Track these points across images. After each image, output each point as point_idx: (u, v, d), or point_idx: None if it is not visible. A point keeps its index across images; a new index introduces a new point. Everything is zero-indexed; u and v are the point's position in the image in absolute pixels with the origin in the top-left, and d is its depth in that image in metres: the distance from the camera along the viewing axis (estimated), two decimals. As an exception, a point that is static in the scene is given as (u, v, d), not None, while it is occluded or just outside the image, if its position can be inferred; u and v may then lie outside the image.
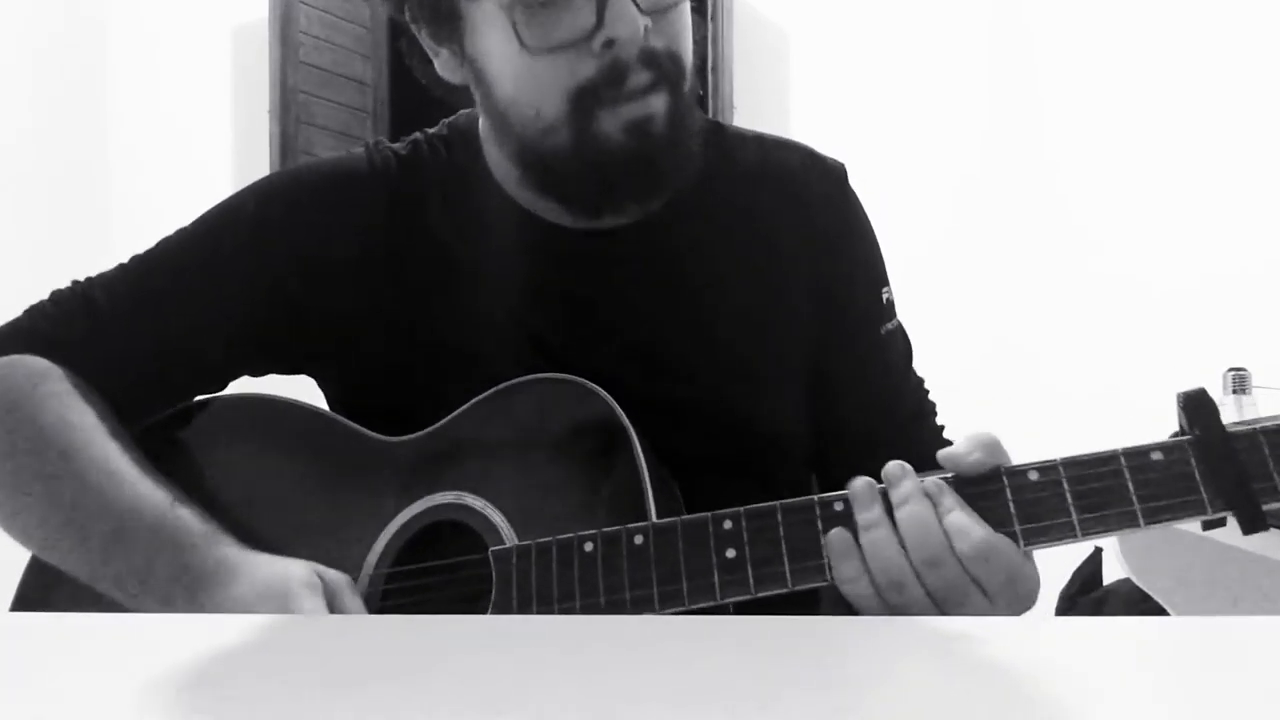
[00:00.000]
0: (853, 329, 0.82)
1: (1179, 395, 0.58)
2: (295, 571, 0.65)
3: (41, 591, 0.75)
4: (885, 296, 0.83)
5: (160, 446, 0.77)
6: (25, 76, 2.91)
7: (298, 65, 3.01)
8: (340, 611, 0.64)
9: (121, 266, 0.80)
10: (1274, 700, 0.38)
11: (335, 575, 0.66)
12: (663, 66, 0.70)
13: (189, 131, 3.19)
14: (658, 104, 0.70)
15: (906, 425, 0.83)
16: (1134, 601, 1.73)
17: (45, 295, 0.80)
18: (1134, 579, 1.54)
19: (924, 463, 0.83)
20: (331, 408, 0.82)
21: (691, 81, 0.73)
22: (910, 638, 0.51)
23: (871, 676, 0.44)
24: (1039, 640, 0.50)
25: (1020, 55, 3.01)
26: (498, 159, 0.80)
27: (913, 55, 3.07)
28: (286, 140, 2.98)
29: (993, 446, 0.60)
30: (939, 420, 0.86)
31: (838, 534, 0.59)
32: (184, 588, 0.65)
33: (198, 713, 0.39)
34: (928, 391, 0.86)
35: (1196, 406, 0.57)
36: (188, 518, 0.68)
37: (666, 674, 0.43)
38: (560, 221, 0.78)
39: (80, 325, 0.77)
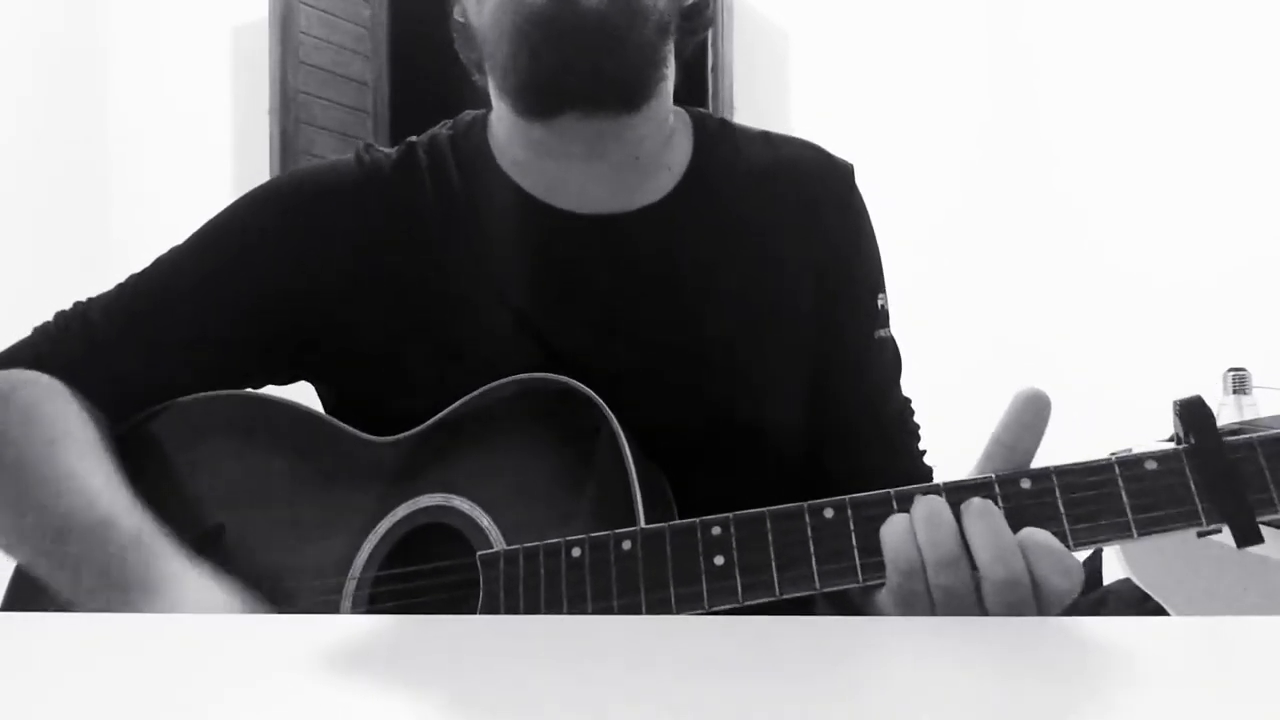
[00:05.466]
0: (849, 329, 0.82)
1: (1175, 404, 0.57)
2: (224, 607, 0.63)
3: (31, 592, 0.74)
4: (880, 302, 0.83)
5: (143, 444, 0.77)
6: (25, 76, 2.92)
7: (298, 65, 3.01)
8: None
9: (119, 286, 0.81)
10: (1274, 700, 0.38)
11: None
12: None
13: (189, 131, 3.20)
14: None
15: (889, 434, 0.83)
16: (1134, 601, 1.73)
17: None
18: (1134, 579, 1.54)
19: (899, 477, 0.82)
20: (331, 413, 0.82)
21: None
22: (909, 637, 0.51)
23: (870, 676, 0.44)
24: (1039, 640, 0.50)
25: (1019, 55, 3.01)
26: (502, 138, 0.80)
27: (912, 55, 3.07)
28: (286, 140, 2.98)
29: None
30: (921, 445, 0.85)
31: (900, 526, 0.57)
32: (104, 597, 0.64)
33: (189, 713, 0.39)
34: (913, 412, 0.86)
35: (1193, 415, 0.56)
36: (125, 523, 0.67)
37: (663, 673, 0.43)
38: (566, 206, 0.78)
39: (78, 346, 0.78)
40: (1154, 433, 1.77)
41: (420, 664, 0.45)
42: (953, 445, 0.86)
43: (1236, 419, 1.89)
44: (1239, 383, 1.98)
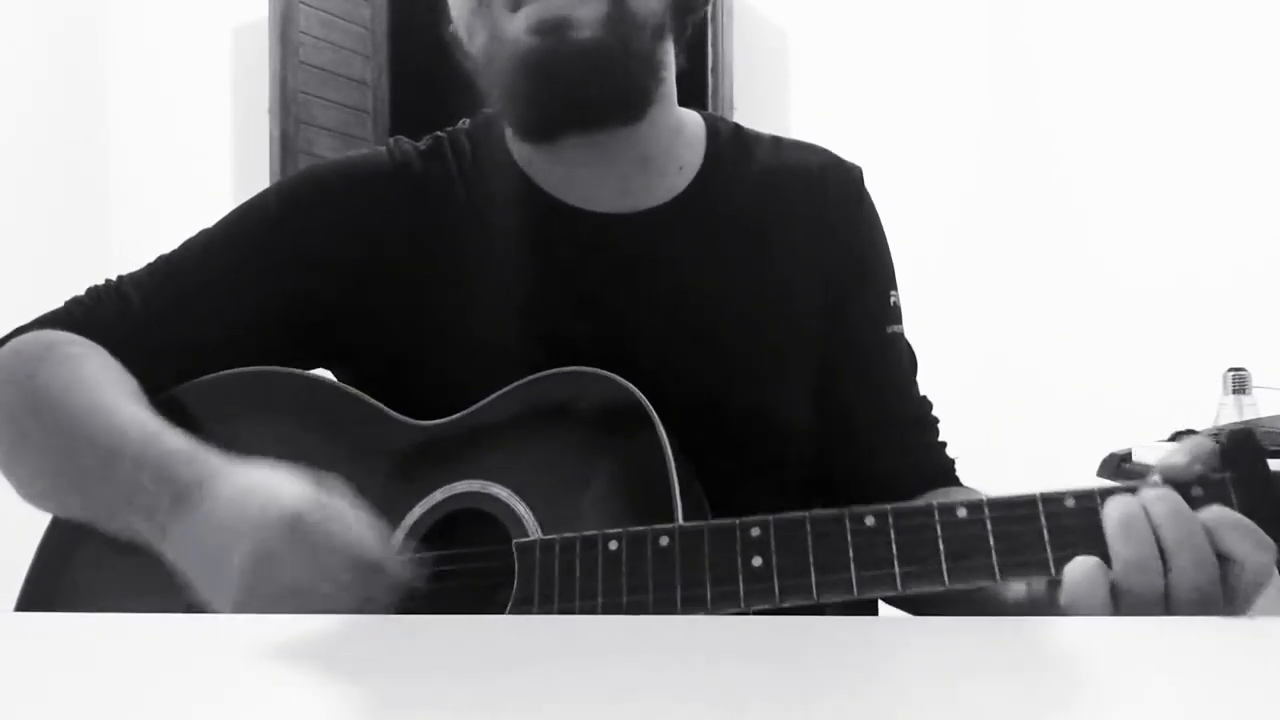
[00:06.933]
0: (859, 326, 0.83)
1: (1219, 437, 0.56)
2: (278, 502, 0.61)
3: (47, 593, 0.75)
4: (893, 299, 0.84)
5: (178, 420, 0.77)
6: (25, 77, 2.91)
7: (298, 65, 3.01)
8: (331, 537, 0.60)
9: (151, 265, 0.83)
10: (1274, 700, 0.38)
11: (333, 505, 0.62)
12: None
13: (189, 131, 3.20)
14: (579, 7, 0.69)
15: (908, 430, 0.84)
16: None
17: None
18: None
19: (920, 471, 0.81)
20: None
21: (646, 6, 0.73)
22: (911, 637, 0.51)
23: (873, 676, 0.44)
24: (1039, 640, 0.50)
25: (1020, 57, 3.01)
26: (514, 137, 0.81)
27: (913, 55, 3.07)
28: (286, 140, 2.98)
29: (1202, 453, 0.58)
30: (941, 438, 0.86)
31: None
32: (168, 504, 0.64)
33: (197, 713, 0.39)
34: (931, 406, 0.87)
35: (1240, 447, 0.56)
36: (177, 436, 0.68)
37: (671, 674, 0.43)
38: (580, 204, 0.79)
39: (112, 318, 0.79)
40: (1154, 432, 1.77)
41: (445, 661, 0.45)
42: (952, 446, 0.86)
43: (1236, 419, 1.89)
44: (1239, 383, 1.98)
